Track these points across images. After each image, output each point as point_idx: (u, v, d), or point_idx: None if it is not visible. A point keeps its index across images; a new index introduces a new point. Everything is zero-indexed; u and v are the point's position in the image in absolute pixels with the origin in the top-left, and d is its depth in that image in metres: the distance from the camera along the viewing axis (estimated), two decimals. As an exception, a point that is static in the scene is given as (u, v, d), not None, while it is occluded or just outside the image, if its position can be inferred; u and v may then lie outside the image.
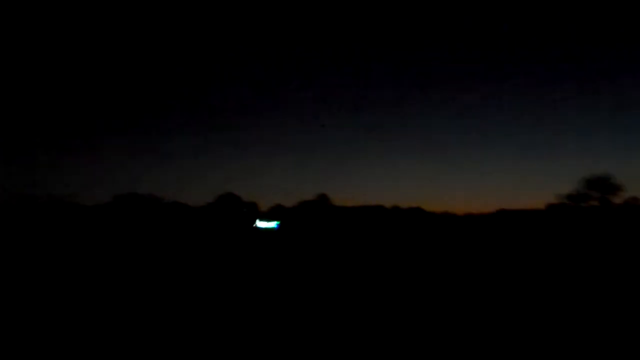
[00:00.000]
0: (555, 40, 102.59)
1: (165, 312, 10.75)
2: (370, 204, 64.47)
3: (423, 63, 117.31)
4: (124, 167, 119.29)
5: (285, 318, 10.03)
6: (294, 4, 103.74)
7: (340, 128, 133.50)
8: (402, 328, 9.18)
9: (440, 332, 8.99)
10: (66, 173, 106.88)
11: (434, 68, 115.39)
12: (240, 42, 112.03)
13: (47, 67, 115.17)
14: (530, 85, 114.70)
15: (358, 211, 58.38)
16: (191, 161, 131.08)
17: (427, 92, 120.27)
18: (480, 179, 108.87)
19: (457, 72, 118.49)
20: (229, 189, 67.76)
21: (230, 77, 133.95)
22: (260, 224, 42.45)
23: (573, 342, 8.74)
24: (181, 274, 18.21)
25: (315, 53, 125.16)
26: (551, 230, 55.70)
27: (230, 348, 7.87)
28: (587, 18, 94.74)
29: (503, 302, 13.28)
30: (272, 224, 42.40)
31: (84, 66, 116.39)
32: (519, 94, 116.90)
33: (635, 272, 23.65)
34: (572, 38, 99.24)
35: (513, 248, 35.72)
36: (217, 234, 42.89)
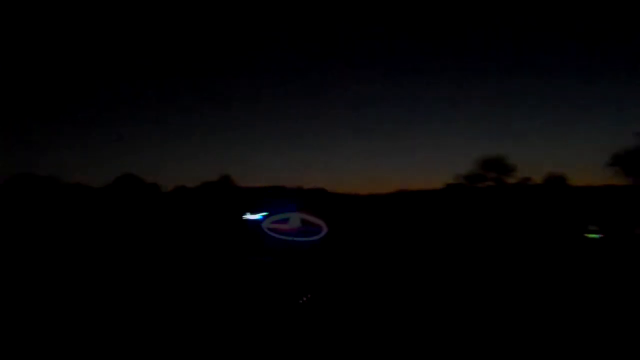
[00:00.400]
0: (454, 28, 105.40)
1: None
2: (273, 185, 61.95)
3: (324, 52, 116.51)
4: (20, 147, 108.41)
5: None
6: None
7: (242, 108, 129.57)
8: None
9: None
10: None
11: (332, 55, 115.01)
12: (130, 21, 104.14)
13: None
14: (426, 71, 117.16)
15: (262, 192, 56.53)
16: (90, 141, 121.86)
17: (327, 77, 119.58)
18: (382, 160, 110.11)
19: (351, 58, 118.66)
20: (129, 170, 63.16)
21: (131, 56, 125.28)
22: (250, 216, 40.42)
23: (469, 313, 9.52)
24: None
25: (219, 38, 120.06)
26: (449, 209, 57.16)
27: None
28: (480, 5, 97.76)
29: (403, 274, 12.87)
30: (258, 216, 40.82)
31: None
32: (415, 79, 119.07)
33: (527, 245, 24.16)
34: (471, 24, 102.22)
35: (413, 225, 36.22)
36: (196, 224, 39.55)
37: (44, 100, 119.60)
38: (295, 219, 13.05)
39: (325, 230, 13.16)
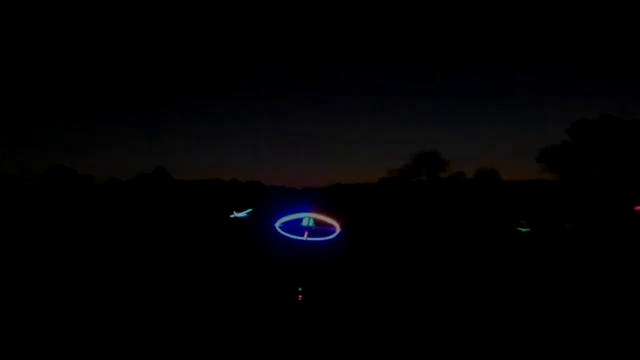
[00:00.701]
0: (388, 30, 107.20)
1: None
2: (208, 178, 60.90)
3: (262, 51, 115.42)
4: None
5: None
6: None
7: (179, 103, 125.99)
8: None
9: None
10: None
11: (269, 52, 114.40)
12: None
13: None
14: (364, 68, 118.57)
15: (197, 185, 55.43)
16: (19, 132, 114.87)
17: (262, 72, 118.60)
18: (318, 155, 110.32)
19: (289, 57, 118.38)
20: (62, 162, 59.38)
21: (64, 49, 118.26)
22: (237, 214, 41.86)
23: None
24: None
25: (157, 41, 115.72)
26: (382, 202, 57.73)
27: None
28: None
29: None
30: (243, 214, 41.57)
31: None
32: (353, 75, 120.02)
33: (457, 236, 24.72)
34: (407, 25, 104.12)
35: (348, 217, 36.28)
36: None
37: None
38: (308, 219, 12.36)
39: (339, 230, 12.50)
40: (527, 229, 34.62)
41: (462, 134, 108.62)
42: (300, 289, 10.66)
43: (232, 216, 41.45)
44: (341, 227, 12.07)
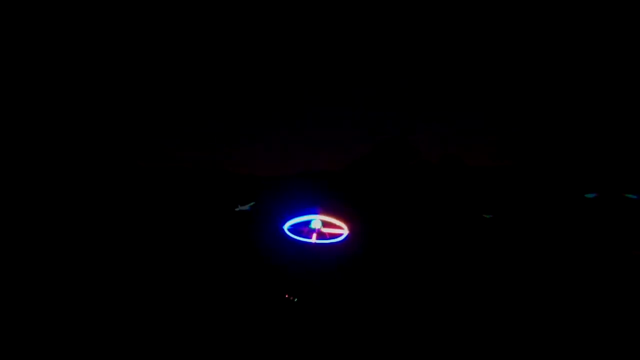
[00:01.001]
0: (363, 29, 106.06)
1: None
2: (170, 165, 59.59)
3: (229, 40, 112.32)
4: None
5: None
6: None
7: (145, 91, 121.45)
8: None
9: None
10: None
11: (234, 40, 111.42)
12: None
13: None
14: (330, 56, 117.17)
15: (160, 172, 54.14)
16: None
17: (229, 56, 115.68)
18: (282, 142, 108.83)
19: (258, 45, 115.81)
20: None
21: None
22: (241, 207, 40.91)
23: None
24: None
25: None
26: (349, 189, 57.97)
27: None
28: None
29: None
30: (247, 207, 40.37)
31: None
32: (320, 63, 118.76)
33: (425, 224, 25.11)
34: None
35: (355, 217, 36.24)
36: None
37: None
38: (316, 222, 12.29)
39: (347, 232, 12.46)
40: (490, 215, 35.68)
41: (426, 119, 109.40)
42: (295, 299, 10.63)
43: (237, 209, 41.26)
44: (349, 228, 12.14)
